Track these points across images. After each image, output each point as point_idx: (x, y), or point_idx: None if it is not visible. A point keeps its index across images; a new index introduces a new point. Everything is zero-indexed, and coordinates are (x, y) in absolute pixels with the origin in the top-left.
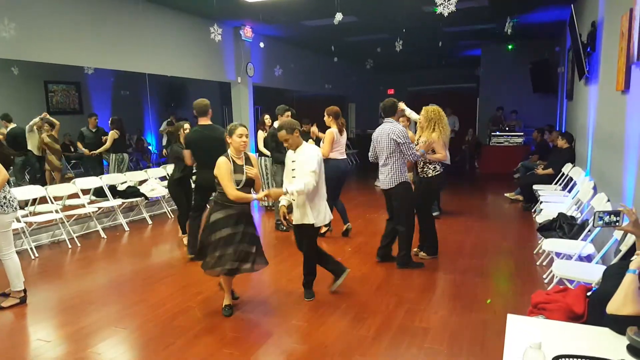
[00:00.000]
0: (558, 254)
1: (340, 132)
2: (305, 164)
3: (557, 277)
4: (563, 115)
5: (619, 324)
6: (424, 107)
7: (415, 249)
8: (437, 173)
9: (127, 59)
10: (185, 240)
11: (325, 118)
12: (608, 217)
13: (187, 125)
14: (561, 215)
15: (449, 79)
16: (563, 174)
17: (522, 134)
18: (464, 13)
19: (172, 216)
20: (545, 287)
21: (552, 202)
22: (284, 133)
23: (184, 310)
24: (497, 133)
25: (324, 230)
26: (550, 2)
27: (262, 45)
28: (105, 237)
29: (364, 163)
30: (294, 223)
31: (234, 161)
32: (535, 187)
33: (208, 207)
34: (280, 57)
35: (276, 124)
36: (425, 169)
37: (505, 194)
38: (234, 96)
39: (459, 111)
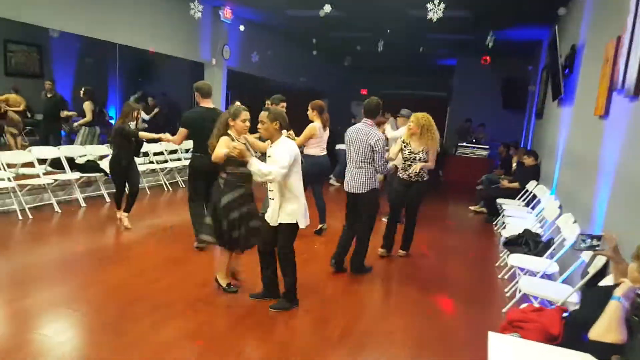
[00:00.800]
0: (522, 269)
1: (324, 127)
2: (277, 159)
3: (520, 291)
4: (530, 133)
5: (601, 351)
6: (413, 114)
7: (381, 250)
8: (427, 177)
9: (96, 25)
10: (124, 219)
11: (309, 112)
12: (590, 240)
13: (138, 106)
14: (527, 231)
15: (422, 85)
16: (527, 190)
17: (487, 147)
18: (447, 21)
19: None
20: (506, 300)
21: (516, 217)
22: (264, 115)
23: (142, 296)
24: (464, 144)
25: (318, 228)
26: (531, 20)
27: (242, 28)
28: (60, 211)
29: (332, 159)
30: (269, 224)
31: (234, 141)
32: (499, 200)
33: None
34: (259, 43)
35: None
36: (421, 173)
37: (470, 207)
38: (206, 77)
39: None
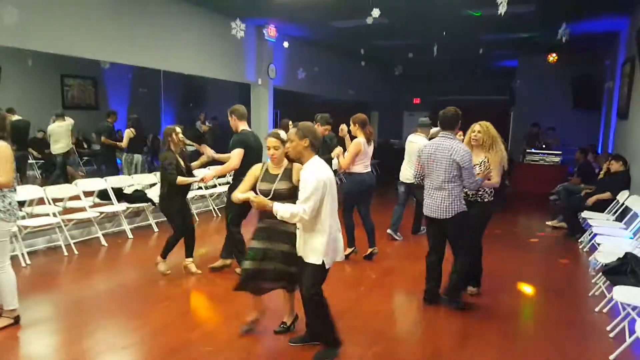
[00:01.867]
0: (630, 306)
1: (368, 142)
2: (302, 188)
3: (632, 335)
4: (609, 135)
5: None
6: (479, 122)
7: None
8: (492, 198)
9: (144, 54)
10: (190, 266)
11: (351, 127)
12: None
13: (179, 129)
14: (631, 256)
15: (479, 90)
16: (617, 201)
17: (559, 152)
18: (508, 18)
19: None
20: (609, 340)
21: (609, 236)
22: (292, 133)
23: (183, 344)
24: (533, 150)
25: (347, 252)
26: (604, 10)
27: (286, 44)
28: (107, 244)
29: (386, 175)
30: (297, 253)
31: (267, 169)
32: (583, 214)
33: None
34: (304, 60)
35: None
36: (480, 192)
37: (547, 222)
38: (253, 98)
39: (494, 124)
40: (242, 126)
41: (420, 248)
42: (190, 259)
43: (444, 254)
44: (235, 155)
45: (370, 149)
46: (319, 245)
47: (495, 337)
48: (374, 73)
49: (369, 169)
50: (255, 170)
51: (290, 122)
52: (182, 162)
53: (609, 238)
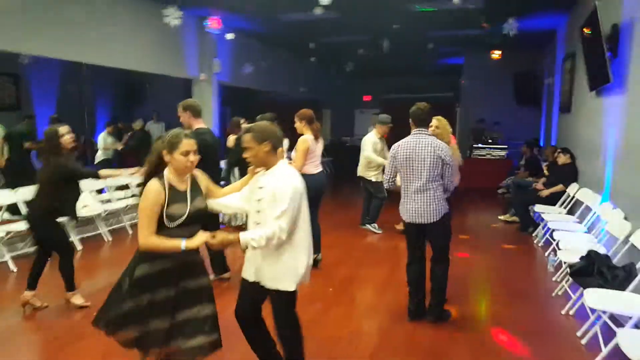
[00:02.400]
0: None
1: (316, 139)
2: (276, 201)
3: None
4: (551, 129)
5: None
6: (436, 117)
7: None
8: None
9: (65, 46)
10: (76, 299)
11: (297, 124)
12: None
13: (63, 130)
14: (595, 254)
15: (426, 87)
16: (568, 194)
17: (505, 147)
18: (455, 13)
19: (110, 239)
20: (582, 350)
21: (565, 231)
22: (249, 138)
23: None
24: (480, 145)
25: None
26: (545, 6)
27: (230, 36)
28: (16, 269)
29: (339, 172)
30: (255, 281)
31: (172, 187)
32: (536, 208)
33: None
34: (251, 54)
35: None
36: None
37: (499, 217)
38: (195, 95)
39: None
40: (198, 124)
41: (377, 250)
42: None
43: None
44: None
45: (319, 147)
46: (297, 265)
47: (467, 353)
48: (324, 70)
49: (320, 168)
50: (156, 195)
51: (243, 120)
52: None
53: (566, 234)
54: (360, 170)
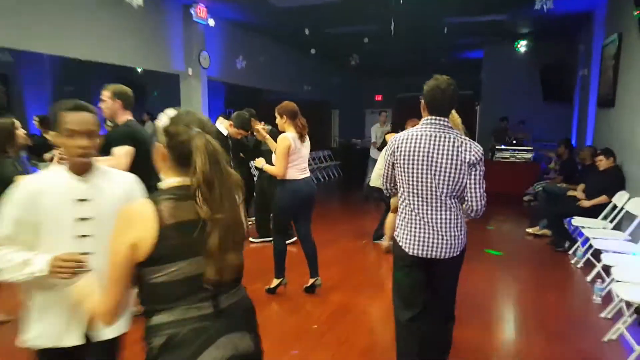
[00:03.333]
0: None
1: (301, 137)
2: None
3: None
4: (586, 128)
5: None
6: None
7: None
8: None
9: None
10: None
11: (277, 120)
12: None
13: (17, 122)
14: None
15: None
16: (615, 205)
17: (531, 148)
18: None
19: None
20: None
21: (618, 254)
22: None
23: None
24: (502, 147)
25: (274, 284)
26: None
27: (212, 23)
28: None
29: (349, 178)
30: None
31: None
32: (575, 222)
33: None
34: (244, 47)
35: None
36: None
37: (528, 229)
38: (183, 91)
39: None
40: (128, 116)
41: (383, 273)
42: None
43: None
44: (123, 155)
45: (305, 148)
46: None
47: None
48: (330, 67)
49: (307, 174)
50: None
51: (263, 124)
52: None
53: (619, 258)
54: (374, 180)
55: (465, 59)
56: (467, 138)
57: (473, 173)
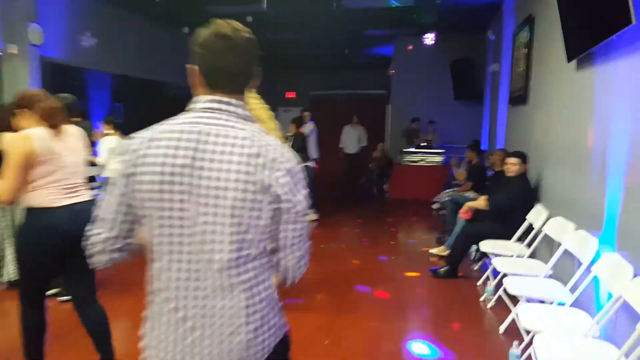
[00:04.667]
0: None
1: (55, 131)
2: None
3: None
4: (498, 129)
5: None
6: None
7: None
8: None
9: None
10: None
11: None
12: None
13: None
14: None
15: (357, 83)
16: (530, 225)
17: (442, 151)
18: None
19: None
20: None
21: (536, 304)
22: None
23: None
24: (411, 149)
25: None
26: None
27: None
28: None
29: None
30: None
31: None
32: (483, 246)
33: None
34: (97, 21)
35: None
36: None
37: (430, 250)
38: (5, 74)
39: (368, 122)
40: None
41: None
42: None
43: None
44: None
45: (72, 150)
46: None
47: None
48: None
49: (77, 197)
50: None
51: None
52: None
53: (538, 310)
54: None
55: (378, 56)
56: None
57: (287, 215)
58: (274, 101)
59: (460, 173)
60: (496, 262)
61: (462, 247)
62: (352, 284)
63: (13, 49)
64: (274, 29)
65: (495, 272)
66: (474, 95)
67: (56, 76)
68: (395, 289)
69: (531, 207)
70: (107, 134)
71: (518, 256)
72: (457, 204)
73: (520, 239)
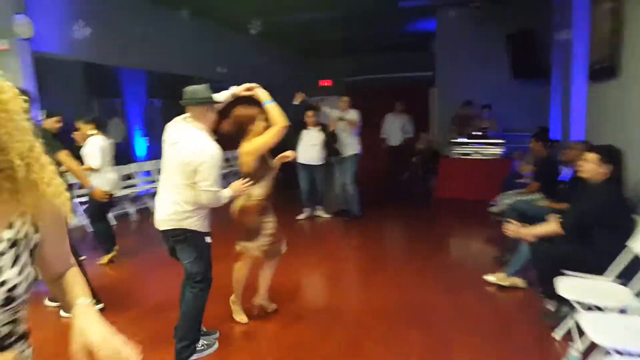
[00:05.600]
0: None
1: None
2: None
3: None
4: (572, 113)
5: None
6: None
7: None
8: None
9: None
10: None
11: None
12: None
13: None
14: None
15: (399, 66)
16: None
17: (501, 141)
18: None
19: None
20: None
21: None
22: None
23: None
24: (464, 139)
25: None
26: None
27: None
28: None
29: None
30: None
31: None
32: (562, 287)
33: None
34: (90, 7)
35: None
36: None
37: (488, 277)
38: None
39: (413, 108)
40: None
41: None
42: None
43: None
44: None
45: None
46: None
47: None
48: (265, 48)
49: None
50: None
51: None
52: None
53: None
54: None
55: (419, 32)
56: None
57: None
58: (308, 89)
59: (525, 166)
60: (589, 326)
61: (547, 278)
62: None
63: (3, 45)
64: (302, 8)
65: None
66: (537, 72)
67: (88, 74)
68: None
69: (631, 225)
70: (90, 135)
71: (622, 310)
72: (522, 214)
73: (621, 275)
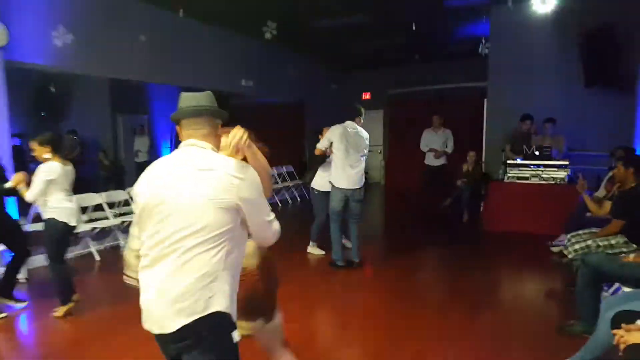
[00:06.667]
0: None
1: None
2: None
3: None
4: None
5: None
6: None
7: None
8: None
9: None
10: None
11: None
12: None
13: None
14: None
15: (447, 76)
16: None
17: (566, 162)
18: None
19: None
20: None
21: None
22: None
23: None
24: (519, 160)
25: None
26: None
27: None
28: None
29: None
30: None
31: None
32: None
33: None
34: (66, 14)
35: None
36: None
37: None
38: None
39: (462, 123)
40: None
41: None
42: None
43: None
44: None
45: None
46: None
47: None
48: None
49: None
50: None
51: None
52: None
53: None
54: None
55: (468, 38)
56: None
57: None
58: (347, 104)
59: (581, 181)
60: None
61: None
62: None
63: None
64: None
65: None
66: (617, 80)
67: (115, 90)
68: None
69: None
70: (45, 159)
71: None
72: (598, 272)
73: None
